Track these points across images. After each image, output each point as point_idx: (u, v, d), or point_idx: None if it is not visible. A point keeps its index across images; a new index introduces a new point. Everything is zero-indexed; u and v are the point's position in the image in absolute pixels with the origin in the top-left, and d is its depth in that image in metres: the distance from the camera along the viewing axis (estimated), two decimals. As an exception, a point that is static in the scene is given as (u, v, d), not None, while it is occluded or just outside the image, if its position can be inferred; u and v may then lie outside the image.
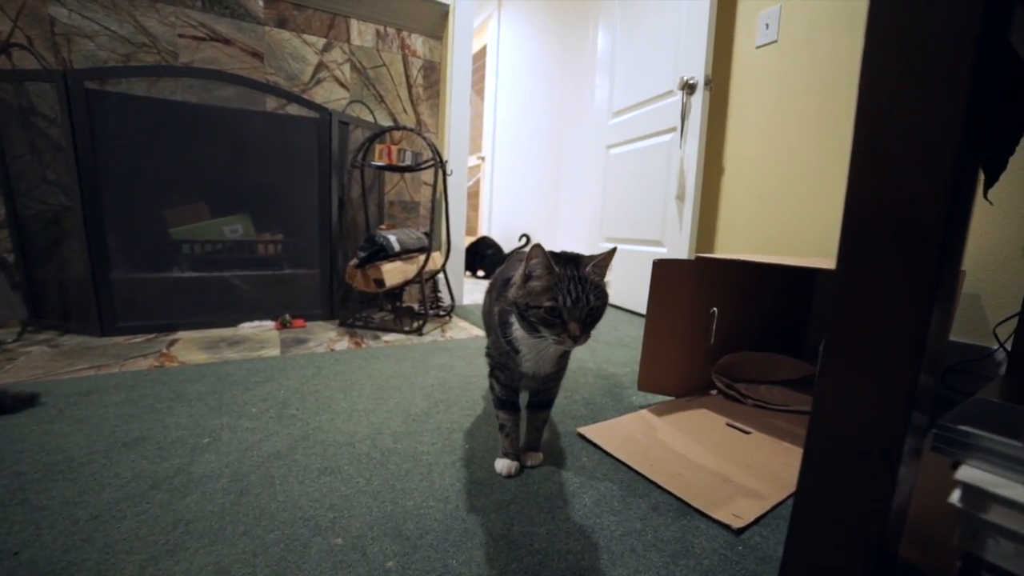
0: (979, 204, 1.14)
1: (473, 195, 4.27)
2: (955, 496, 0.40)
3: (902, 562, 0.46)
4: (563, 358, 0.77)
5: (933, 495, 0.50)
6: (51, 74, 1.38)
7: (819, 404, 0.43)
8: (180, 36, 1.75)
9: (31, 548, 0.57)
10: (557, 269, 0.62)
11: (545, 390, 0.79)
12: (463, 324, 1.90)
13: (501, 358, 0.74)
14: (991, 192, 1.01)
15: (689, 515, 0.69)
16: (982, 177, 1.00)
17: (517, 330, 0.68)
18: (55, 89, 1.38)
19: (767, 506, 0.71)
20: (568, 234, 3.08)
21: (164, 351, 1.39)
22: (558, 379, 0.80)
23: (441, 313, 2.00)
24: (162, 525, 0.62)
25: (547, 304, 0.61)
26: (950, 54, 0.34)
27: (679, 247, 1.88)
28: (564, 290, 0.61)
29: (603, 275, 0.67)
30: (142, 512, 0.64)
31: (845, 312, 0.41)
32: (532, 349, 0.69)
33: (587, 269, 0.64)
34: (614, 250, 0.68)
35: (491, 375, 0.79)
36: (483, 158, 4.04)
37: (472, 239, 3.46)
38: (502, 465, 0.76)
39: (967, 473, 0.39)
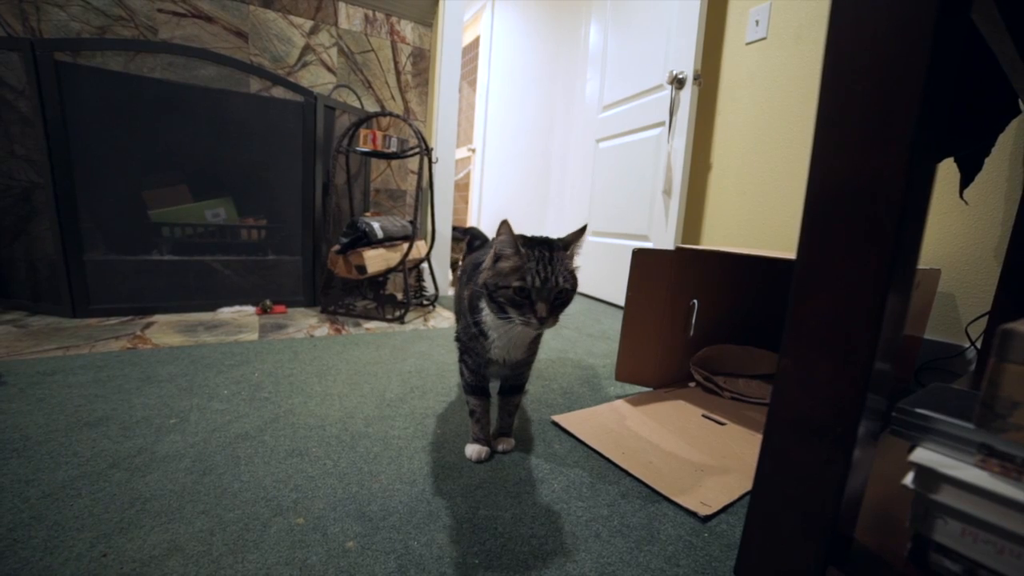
0: (955, 204, 1.17)
1: (463, 187, 4.24)
2: (909, 478, 0.40)
3: (858, 546, 0.46)
4: (533, 344, 0.76)
5: (892, 481, 0.50)
6: (17, 42, 1.32)
7: (779, 386, 0.43)
8: (159, 11, 1.70)
9: (-24, 525, 0.55)
10: (523, 250, 0.62)
11: (515, 375, 0.79)
12: (446, 314, 1.89)
13: (470, 343, 0.73)
14: (966, 192, 1.03)
15: (657, 502, 0.69)
16: (959, 177, 1.01)
17: (487, 314, 0.67)
18: (22, 59, 1.33)
19: (736, 494, 0.72)
20: (556, 227, 3.08)
21: (138, 333, 1.36)
22: (528, 364, 0.80)
23: (425, 303, 1.98)
24: (118, 504, 0.60)
25: (515, 284, 0.60)
26: (910, 25, 0.33)
27: (665, 241, 1.89)
28: (533, 271, 0.60)
29: (573, 258, 0.66)
30: (98, 491, 0.62)
31: (805, 295, 0.41)
32: (502, 335, 0.68)
33: (559, 252, 0.64)
34: (584, 229, 0.67)
35: (460, 360, 0.78)
36: (474, 150, 4.01)
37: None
38: (472, 450, 0.76)
39: (921, 455, 0.39)
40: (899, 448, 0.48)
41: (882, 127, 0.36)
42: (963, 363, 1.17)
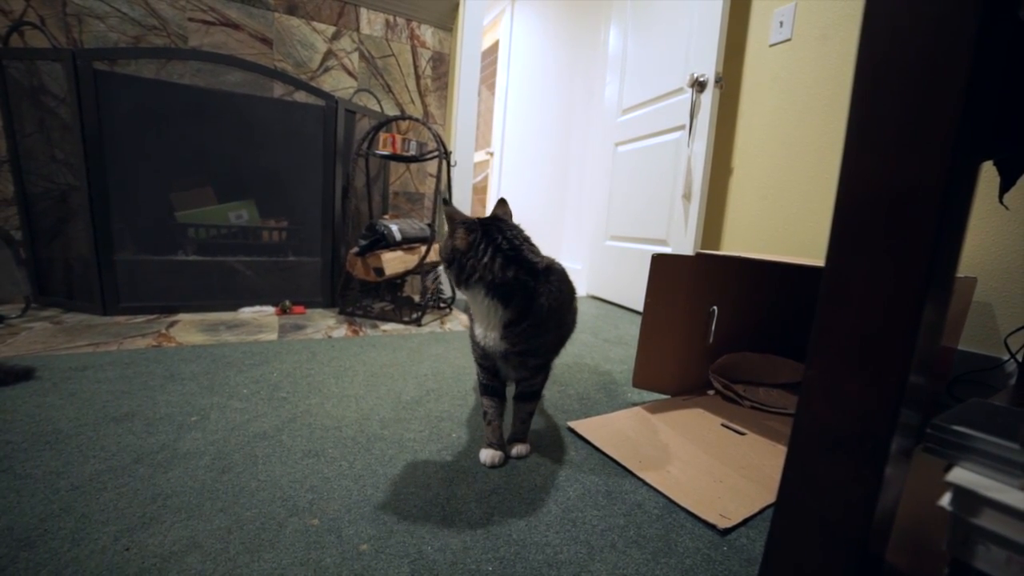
0: (993, 209, 1.12)
1: (481, 190, 4.26)
2: (945, 499, 0.38)
3: (888, 567, 0.44)
4: (512, 334, 0.70)
5: (925, 500, 0.48)
6: (61, 53, 1.39)
7: (805, 398, 0.42)
8: (190, 20, 1.75)
9: (9, 515, 0.57)
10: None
11: (527, 380, 0.78)
12: (463, 317, 1.89)
13: (469, 332, 0.79)
14: (1007, 196, 0.98)
15: (675, 513, 0.67)
16: (998, 180, 0.96)
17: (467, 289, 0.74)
18: (65, 69, 1.39)
19: (756, 508, 0.69)
20: (574, 231, 3.06)
21: (163, 332, 1.40)
22: (536, 368, 0.77)
23: (442, 305, 1.99)
24: (141, 498, 0.62)
25: None
26: (951, 21, 0.32)
27: (684, 246, 1.86)
28: None
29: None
30: (123, 485, 0.64)
31: (833, 303, 0.39)
32: (477, 312, 0.73)
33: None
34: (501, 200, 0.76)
35: (473, 357, 0.81)
36: (492, 153, 4.02)
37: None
38: (486, 455, 0.75)
39: (959, 475, 0.37)
40: (932, 466, 0.45)
41: (920, 128, 0.34)
42: (1002, 376, 1.11)
